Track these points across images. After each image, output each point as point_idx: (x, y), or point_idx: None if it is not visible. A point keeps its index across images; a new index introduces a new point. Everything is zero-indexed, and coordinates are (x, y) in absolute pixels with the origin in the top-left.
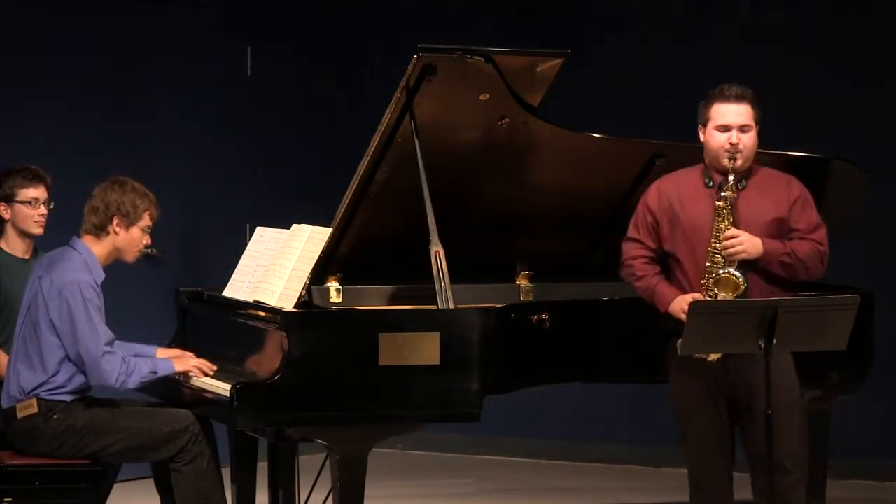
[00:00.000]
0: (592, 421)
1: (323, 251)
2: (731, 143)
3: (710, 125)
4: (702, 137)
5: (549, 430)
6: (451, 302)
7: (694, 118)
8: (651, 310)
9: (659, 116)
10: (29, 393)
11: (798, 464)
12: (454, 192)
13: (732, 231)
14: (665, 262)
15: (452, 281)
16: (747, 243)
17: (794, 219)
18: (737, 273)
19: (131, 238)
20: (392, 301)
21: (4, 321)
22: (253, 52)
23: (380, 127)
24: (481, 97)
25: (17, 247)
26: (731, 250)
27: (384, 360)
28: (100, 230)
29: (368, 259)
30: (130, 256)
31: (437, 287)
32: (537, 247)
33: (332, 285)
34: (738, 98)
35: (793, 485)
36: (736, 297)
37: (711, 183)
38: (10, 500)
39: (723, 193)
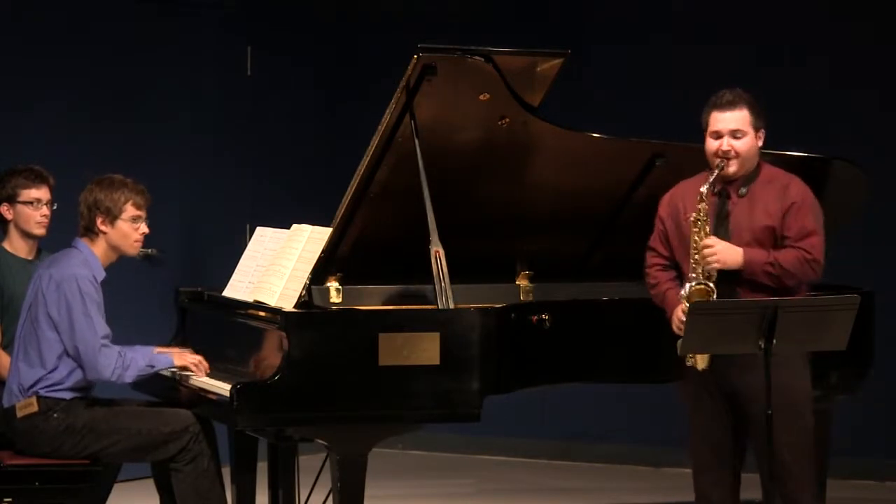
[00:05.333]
0: (592, 421)
1: (323, 251)
2: (722, 150)
3: (707, 132)
4: None
5: (549, 430)
6: (451, 302)
7: (693, 118)
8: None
9: (659, 116)
10: (28, 389)
11: (803, 468)
12: (454, 192)
13: (707, 241)
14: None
15: (452, 281)
16: (722, 253)
17: (787, 226)
18: (710, 284)
19: (120, 233)
20: (392, 301)
21: (8, 322)
22: (253, 52)
23: (380, 127)
24: (481, 97)
25: (20, 247)
26: (706, 260)
27: (384, 360)
28: (89, 232)
29: (368, 259)
30: (129, 250)
31: (437, 287)
32: (537, 247)
33: (332, 285)
34: (730, 105)
35: (795, 489)
36: None
37: (716, 189)
38: (9, 500)
39: (698, 206)
